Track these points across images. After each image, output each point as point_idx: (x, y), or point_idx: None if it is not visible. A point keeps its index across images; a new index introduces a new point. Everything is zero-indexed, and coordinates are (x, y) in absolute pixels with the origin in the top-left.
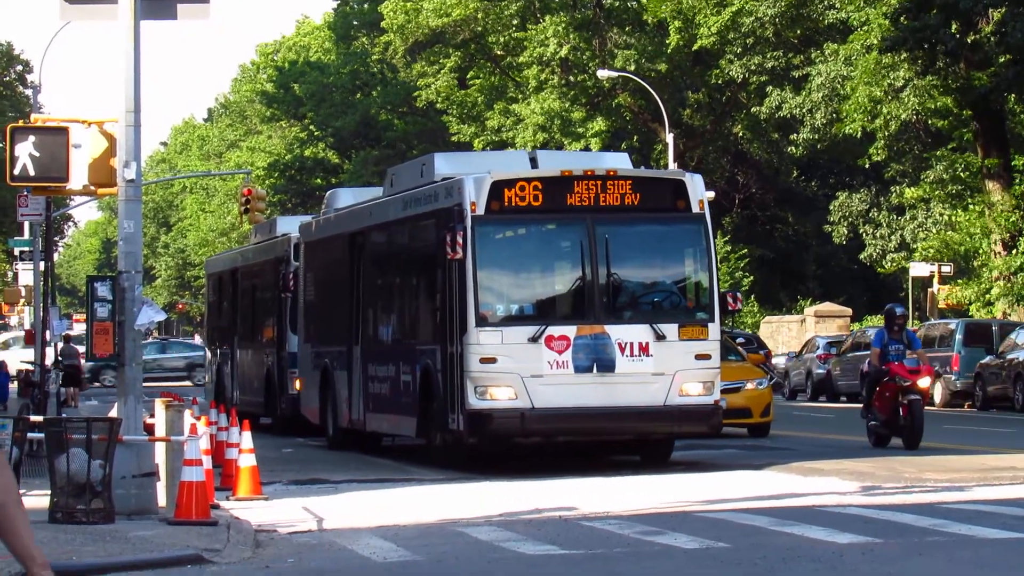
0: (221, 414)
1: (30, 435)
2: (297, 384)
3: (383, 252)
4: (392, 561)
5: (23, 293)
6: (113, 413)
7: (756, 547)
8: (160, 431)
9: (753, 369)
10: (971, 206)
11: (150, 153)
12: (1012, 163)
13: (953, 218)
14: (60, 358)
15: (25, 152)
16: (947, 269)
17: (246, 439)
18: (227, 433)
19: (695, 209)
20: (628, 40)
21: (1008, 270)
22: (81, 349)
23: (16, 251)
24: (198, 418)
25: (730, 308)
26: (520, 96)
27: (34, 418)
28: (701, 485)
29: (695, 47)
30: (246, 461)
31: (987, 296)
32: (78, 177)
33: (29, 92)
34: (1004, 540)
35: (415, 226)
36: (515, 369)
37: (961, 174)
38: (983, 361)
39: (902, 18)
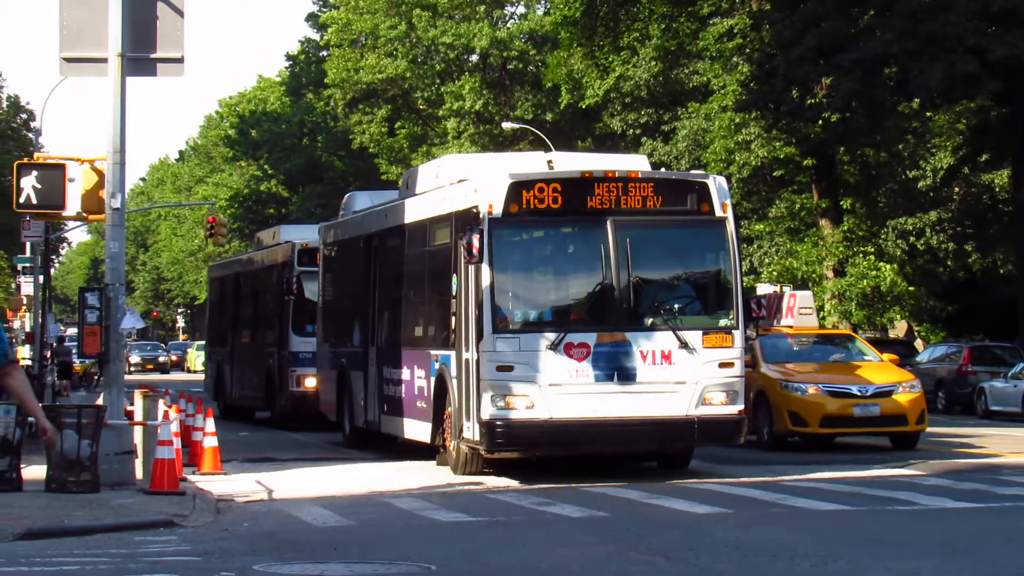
0: (189, 403)
1: (30, 419)
2: (300, 381)
3: (399, 255)
4: (330, 526)
5: (24, 301)
6: (99, 402)
7: (629, 516)
8: (138, 417)
9: (898, 369)
10: (807, 239)
11: (132, 186)
12: (840, 203)
13: (792, 248)
14: (56, 356)
15: (29, 184)
16: (788, 290)
17: (210, 424)
18: (194, 419)
19: (718, 212)
20: (527, 96)
21: (837, 291)
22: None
23: (19, 266)
24: (170, 406)
25: (754, 315)
26: (439, 142)
27: None
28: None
29: (582, 104)
30: (209, 442)
31: (820, 312)
32: (72, 205)
33: (32, 135)
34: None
35: (431, 229)
36: (533, 377)
37: (799, 212)
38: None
39: (752, 84)
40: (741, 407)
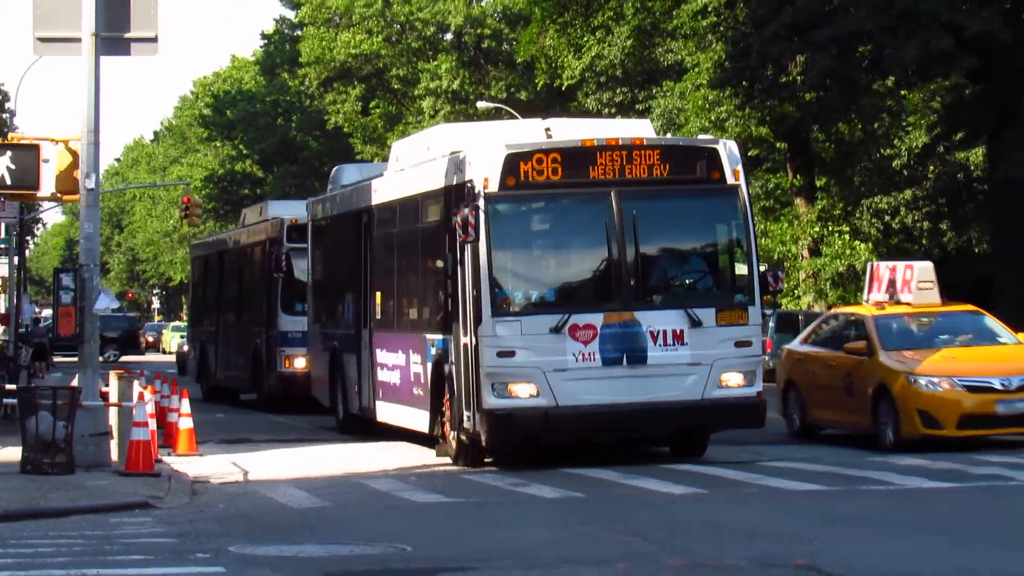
0: (164, 384)
1: (5, 400)
2: (289, 362)
3: (390, 232)
4: (305, 507)
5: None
6: (74, 383)
7: (605, 497)
8: (113, 398)
9: None
10: (782, 218)
11: (107, 167)
12: (815, 182)
13: (767, 228)
14: (30, 336)
15: (3, 165)
16: (763, 268)
17: (185, 405)
18: (169, 400)
19: (730, 180)
20: (501, 76)
21: (813, 270)
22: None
23: None
24: (145, 387)
25: (771, 289)
26: (415, 121)
27: (8, 386)
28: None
29: (557, 84)
30: (185, 424)
31: (796, 291)
32: (47, 186)
33: (7, 116)
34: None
35: (423, 205)
36: (536, 363)
37: (774, 191)
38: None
39: (726, 62)
40: (759, 388)
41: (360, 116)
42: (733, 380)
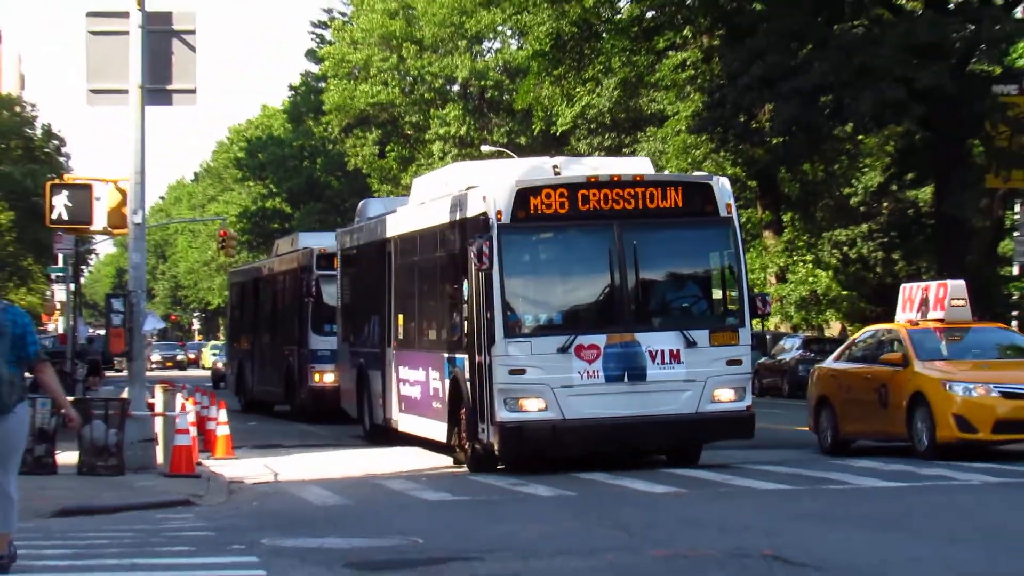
0: (204, 396)
1: (63, 411)
2: (319, 377)
3: (412, 259)
4: (329, 504)
5: (57, 306)
6: (124, 395)
7: (594, 495)
8: (159, 408)
9: None
10: (752, 249)
11: (152, 204)
12: (782, 217)
13: None
14: (84, 354)
15: (60, 203)
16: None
17: (222, 414)
18: (208, 410)
19: (723, 212)
20: (503, 123)
21: (779, 295)
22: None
23: (53, 276)
24: (187, 399)
25: (760, 312)
26: (426, 163)
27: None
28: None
29: (552, 130)
30: (222, 431)
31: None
32: (99, 220)
33: (63, 159)
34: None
35: (441, 235)
36: (545, 380)
37: (745, 225)
38: (760, 361)
39: (703, 110)
40: (749, 403)
41: (377, 158)
42: (725, 395)
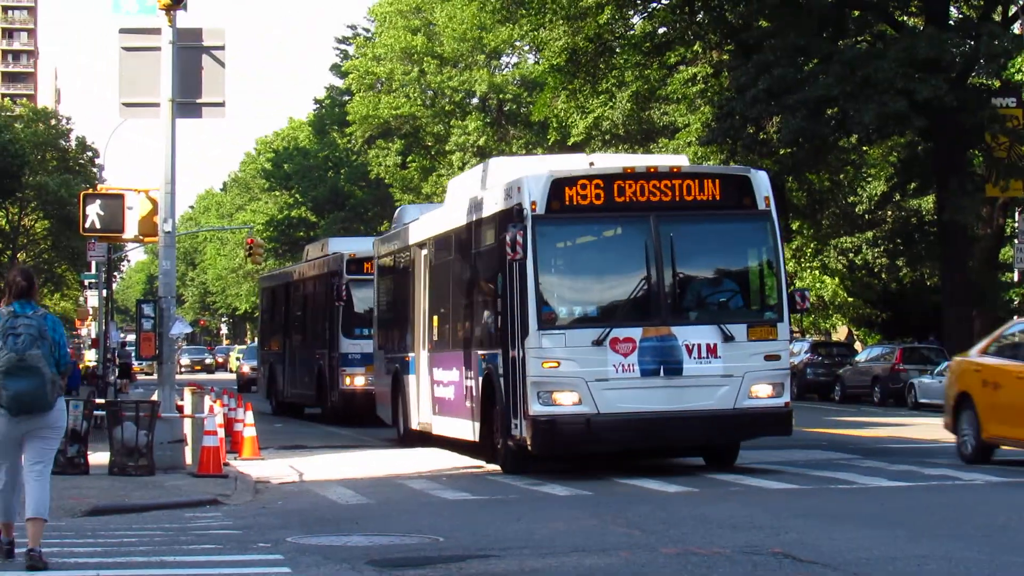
0: (231, 398)
1: (96, 412)
2: (349, 380)
3: (447, 259)
4: (352, 504)
5: (90, 312)
6: (154, 397)
7: (609, 493)
8: (187, 410)
9: None
10: None
11: (182, 213)
12: (790, 225)
13: None
14: (117, 358)
15: (93, 212)
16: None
17: (249, 416)
18: (236, 412)
19: (761, 206)
20: (520, 134)
21: None
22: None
23: (86, 282)
24: (215, 401)
25: (799, 308)
26: (446, 173)
27: (98, 400)
28: None
29: (568, 141)
30: (249, 432)
31: None
32: (131, 229)
33: (96, 170)
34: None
35: (476, 231)
36: (579, 373)
37: None
38: None
39: (713, 122)
40: (787, 399)
41: (399, 169)
42: (763, 391)
